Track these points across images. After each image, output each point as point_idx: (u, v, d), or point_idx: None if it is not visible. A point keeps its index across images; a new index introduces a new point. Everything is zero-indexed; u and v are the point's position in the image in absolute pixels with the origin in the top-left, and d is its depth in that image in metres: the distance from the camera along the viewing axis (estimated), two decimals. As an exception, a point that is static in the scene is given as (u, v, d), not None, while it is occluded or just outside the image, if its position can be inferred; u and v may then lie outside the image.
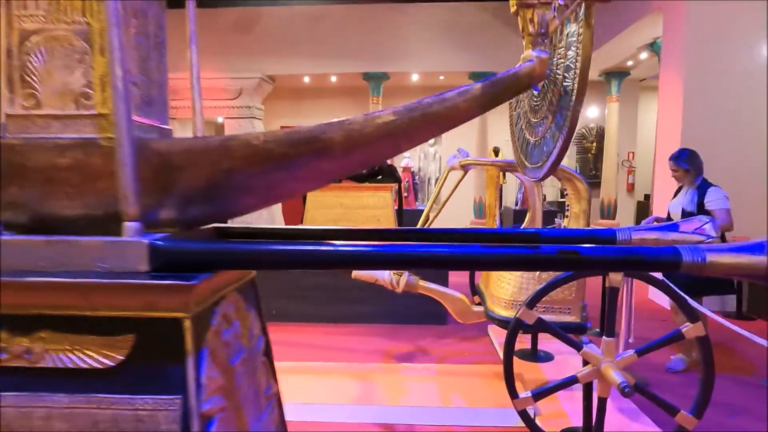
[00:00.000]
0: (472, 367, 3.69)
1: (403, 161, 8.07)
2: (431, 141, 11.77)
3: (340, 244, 1.11)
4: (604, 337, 2.32)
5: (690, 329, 2.23)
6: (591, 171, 10.70)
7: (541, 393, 2.37)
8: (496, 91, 1.08)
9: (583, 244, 1.31)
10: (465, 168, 3.00)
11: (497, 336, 4.39)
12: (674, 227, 1.29)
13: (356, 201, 5.18)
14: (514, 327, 2.36)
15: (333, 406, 3.02)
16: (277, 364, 3.66)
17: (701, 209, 3.63)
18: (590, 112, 10.71)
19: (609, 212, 9.65)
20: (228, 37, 9.38)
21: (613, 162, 9.64)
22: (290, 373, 3.52)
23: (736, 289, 5.19)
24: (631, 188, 10.86)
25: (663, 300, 5.57)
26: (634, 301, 3.50)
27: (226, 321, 1.17)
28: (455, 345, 4.24)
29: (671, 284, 2.38)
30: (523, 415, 2.39)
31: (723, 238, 3.66)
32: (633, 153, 10.63)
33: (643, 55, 8.27)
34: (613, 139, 9.59)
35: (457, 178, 3.03)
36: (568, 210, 2.72)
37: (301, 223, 5.33)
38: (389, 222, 5.13)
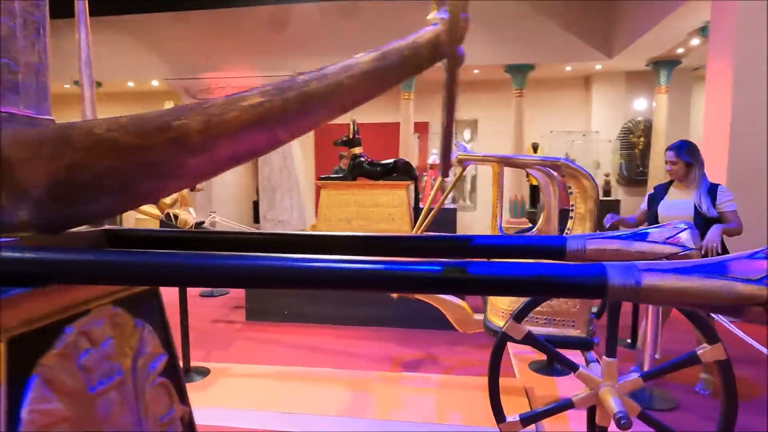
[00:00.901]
0: (479, 380, 3.41)
1: (430, 158, 7.80)
2: (467, 137, 11.42)
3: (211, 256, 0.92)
4: (604, 357, 2.02)
5: (707, 352, 1.90)
6: (638, 168, 10.02)
7: (530, 417, 2.10)
8: (387, 64, 0.87)
9: (519, 254, 1.06)
10: (462, 163, 2.76)
11: (515, 346, 4.09)
12: (643, 236, 1.02)
13: (370, 199, 5.00)
14: (498, 342, 2.10)
15: (316, 417, 2.85)
16: (272, 368, 3.57)
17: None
18: (637, 105, 10.03)
19: (656, 212, 8.99)
20: (260, 35, 9.43)
21: (661, 158, 8.95)
22: (285, 379, 3.39)
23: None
24: (683, 186, 10.11)
25: (708, 309, 5.05)
26: (662, 309, 3.13)
27: (87, 341, 1.02)
28: (467, 354, 3.98)
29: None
30: (511, 441, 2.13)
31: (724, 248, 3.22)
32: (685, 148, 9.89)
33: (695, 41, 7.61)
34: (662, 134, 8.93)
35: (456, 174, 2.79)
36: (572, 211, 2.42)
37: (316, 221, 5.20)
38: (404, 220, 4.92)
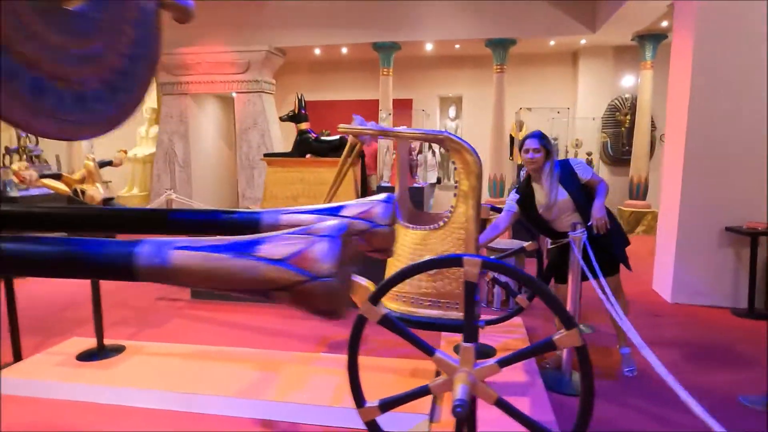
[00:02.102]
0: (399, 362, 3.33)
1: (399, 135, 7.66)
2: (452, 114, 11.18)
3: None
4: (462, 342, 1.91)
5: (563, 337, 1.78)
6: (623, 147, 9.74)
7: (389, 403, 2.00)
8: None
9: (216, 229, 0.94)
10: (359, 138, 2.62)
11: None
12: (337, 210, 0.90)
13: (316, 176, 4.88)
14: (356, 325, 1.99)
15: (209, 398, 2.79)
16: (187, 347, 3.52)
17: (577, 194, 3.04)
18: (625, 81, 9.69)
19: (639, 192, 8.76)
20: (234, 9, 9.19)
21: (645, 136, 8.70)
22: (197, 359, 3.33)
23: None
24: (671, 166, 9.81)
25: (666, 290, 4.92)
26: (578, 285, 3.00)
27: None
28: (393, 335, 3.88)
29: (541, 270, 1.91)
30: (371, 426, 2.04)
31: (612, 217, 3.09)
32: (674, 126, 9.57)
33: (678, 14, 7.26)
34: (646, 111, 8.63)
35: (356, 148, 2.65)
36: (456, 188, 2.28)
37: (263, 200, 5.10)
38: (349, 197, 4.79)
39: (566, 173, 3.06)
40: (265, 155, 5.13)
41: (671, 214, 4.89)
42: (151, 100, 11.29)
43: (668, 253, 4.90)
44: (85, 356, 3.30)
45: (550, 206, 3.04)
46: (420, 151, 9.89)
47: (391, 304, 2.51)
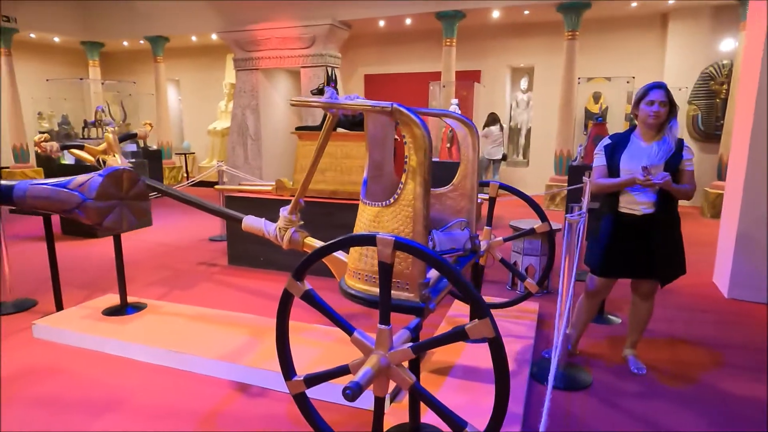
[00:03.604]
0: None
1: (450, 107, 7.34)
2: (523, 86, 10.59)
3: None
4: (379, 325, 1.85)
5: (475, 327, 1.66)
6: (717, 120, 8.64)
7: (313, 379, 2.00)
8: None
9: None
10: (329, 111, 2.55)
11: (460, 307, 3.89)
12: (66, 183, 0.91)
13: (342, 150, 4.88)
14: (282, 299, 2.00)
15: (197, 358, 2.98)
16: (200, 310, 3.81)
17: (668, 169, 2.66)
18: (723, 46, 8.52)
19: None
20: (301, -16, 9.32)
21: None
22: (204, 321, 3.54)
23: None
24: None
25: (724, 284, 4.37)
26: (572, 278, 2.77)
27: None
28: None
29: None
30: (298, 399, 2.06)
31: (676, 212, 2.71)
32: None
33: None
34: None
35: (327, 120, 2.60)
36: (406, 163, 2.16)
37: (294, 172, 5.22)
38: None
39: (679, 144, 2.75)
40: (297, 128, 5.22)
41: (735, 198, 4.29)
42: (230, 75, 11.93)
43: (728, 244, 4.33)
44: (110, 311, 3.65)
45: (649, 168, 2.66)
46: (486, 125, 9.53)
47: (350, 280, 2.48)
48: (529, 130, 10.68)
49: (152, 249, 6.00)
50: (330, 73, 4.94)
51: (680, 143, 2.76)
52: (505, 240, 3.51)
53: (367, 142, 2.61)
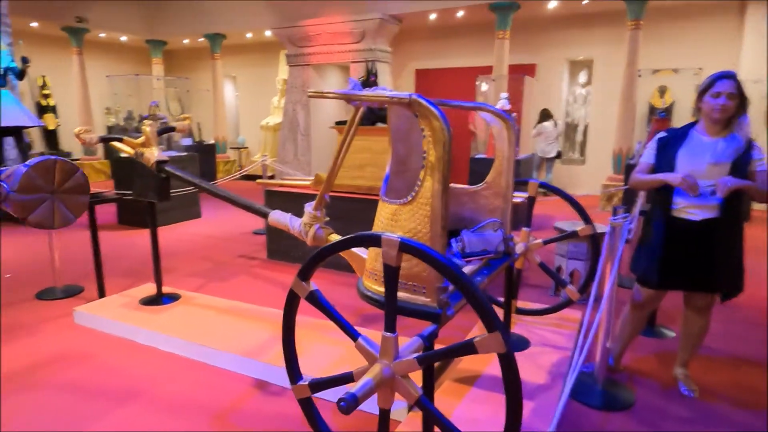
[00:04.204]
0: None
1: (499, 102, 7.02)
2: (582, 79, 10.06)
3: None
4: (384, 332, 1.72)
5: (484, 340, 1.50)
6: (801, 116, 7.81)
7: (317, 385, 1.90)
8: None
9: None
10: (351, 103, 2.43)
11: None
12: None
13: (382, 145, 4.76)
14: (288, 300, 1.91)
15: (213, 351, 2.98)
16: (230, 303, 3.84)
17: (736, 170, 2.34)
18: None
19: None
20: (350, -22, 9.28)
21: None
22: (232, 315, 3.55)
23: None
24: None
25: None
26: (614, 288, 2.52)
27: None
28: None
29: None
30: (303, 404, 1.96)
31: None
32: None
33: None
34: (834, 71, 6.77)
35: (351, 114, 2.48)
36: (424, 159, 2.01)
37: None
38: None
39: (747, 143, 2.45)
40: (337, 123, 5.15)
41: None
42: (283, 71, 12.11)
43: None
44: (147, 301, 3.73)
45: (713, 165, 2.40)
46: (539, 121, 9.13)
47: (367, 281, 2.36)
48: (586, 127, 10.13)
49: (198, 240, 6.15)
50: (370, 67, 4.83)
51: (749, 142, 2.43)
52: (545, 242, 3.27)
53: (390, 135, 2.48)
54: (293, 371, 1.96)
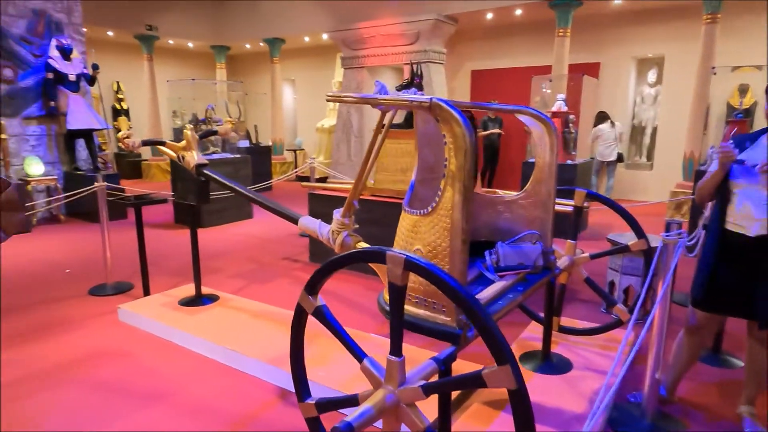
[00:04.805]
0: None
1: (555, 104, 6.63)
2: (651, 79, 9.42)
3: None
4: (389, 356, 1.59)
5: (493, 373, 1.34)
6: None
7: (325, 405, 1.80)
8: None
9: None
10: (380, 108, 2.31)
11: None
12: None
13: (425, 149, 4.62)
14: (296, 314, 1.82)
15: (240, 356, 2.95)
16: (265, 307, 3.87)
17: None
18: None
19: None
20: (404, -21, 9.18)
21: None
22: (264, 319, 3.54)
23: None
24: None
25: None
26: (665, 310, 2.26)
27: None
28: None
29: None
30: (310, 423, 1.87)
31: None
32: None
33: None
34: None
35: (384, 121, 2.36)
36: (445, 167, 1.85)
37: (375, 172, 5.08)
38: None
39: None
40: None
41: None
42: (339, 74, 12.21)
43: None
44: (186, 301, 3.80)
45: None
46: (595, 124, 8.62)
47: (387, 294, 2.24)
48: (655, 129, 9.46)
49: (246, 241, 6.26)
50: (415, 69, 4.70)
51: None
52: (592, 257, 3.01)
53: (416, 140, 2.35)
54: (301, 388, 1.87)
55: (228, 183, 3.43)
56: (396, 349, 1.57)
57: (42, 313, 3.84)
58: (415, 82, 4.68)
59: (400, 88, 4.78)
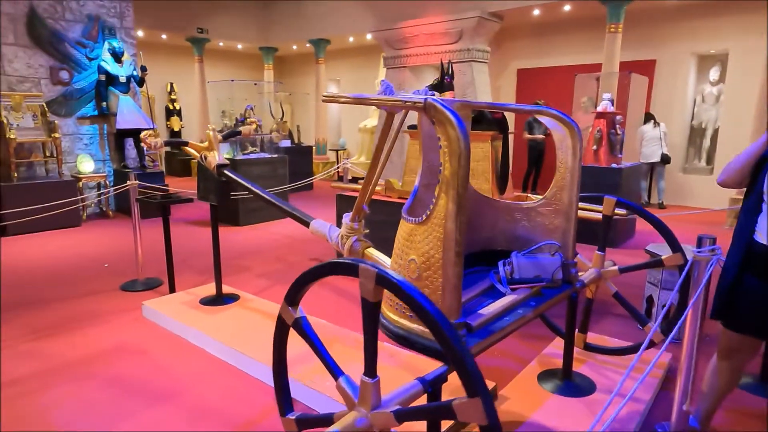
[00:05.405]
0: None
1: (601, 104, 6.24)
2: (713, 77, 8.78)
3: None
4: (362, 376, 1.49)
5: (463, 405, 1.21)
6: None
7: (305, 421, 1.71)
8: None
9: None
10: (384, 108, 2.20)
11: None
12: None
13: (453, 151, 4.46)
14: (278, 326, 1.75)
15: (248, 359, 2.93)
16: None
17: None
18: None
19: None
20: (447, -23, 9.00)
21: None
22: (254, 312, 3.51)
23: None
24: None
25: None
26: (694, 334, 2.04)
27: None
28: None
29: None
30: (292, 440, 1.79)
31: None
32: None
33: None
34: None
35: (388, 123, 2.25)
36: (440, 173, 1.72)
37: (404, 174, 4.97)
38: (485, 177, 4.26)
39: None
40: (409, 127, 4.92)
41: None
42: (383, 74, 12.16)
43: None
44: (206, 300, 3.83)
45: None
46: (647, 122, 8.12)
47: (383, 305, 2.13)
48: (716, 131, 8.80)
49: (277, 240, 6.30)
50: (446, 68, 4.54)
51: None
52: (622, 270, 2.77)
53: (420, 142, 2.23)
54: (284, 402, 1.79)
55: (246, 184, 3.43)
56: (370, 370, 1.46)
57: (74, 306, 3.98)
58: (445, 82, 4.51)
59: (432, 87, 4.63)
